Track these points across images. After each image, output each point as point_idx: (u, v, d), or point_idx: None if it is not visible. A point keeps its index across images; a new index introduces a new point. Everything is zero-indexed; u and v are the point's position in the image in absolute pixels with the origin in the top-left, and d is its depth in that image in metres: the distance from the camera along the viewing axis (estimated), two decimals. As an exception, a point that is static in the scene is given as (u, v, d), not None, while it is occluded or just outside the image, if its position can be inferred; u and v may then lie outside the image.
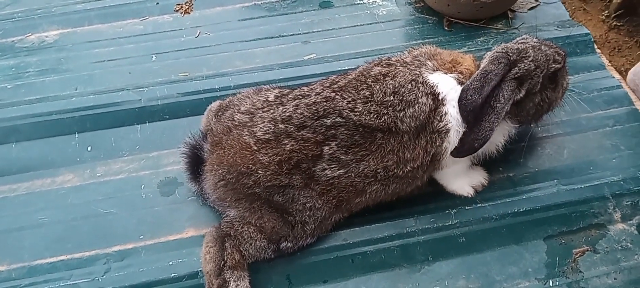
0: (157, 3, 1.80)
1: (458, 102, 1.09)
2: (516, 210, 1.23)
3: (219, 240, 1.09)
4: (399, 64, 1.16)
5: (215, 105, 1.31)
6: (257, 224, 1.12)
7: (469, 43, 1.59)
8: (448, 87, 1.11)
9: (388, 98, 1.11)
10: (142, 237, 1.24)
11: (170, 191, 1.32)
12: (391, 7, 1.75)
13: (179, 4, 1.79)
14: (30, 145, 1.42)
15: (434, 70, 1.14)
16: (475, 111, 1.07)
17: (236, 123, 1.17)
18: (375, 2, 1.77)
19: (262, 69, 1.57)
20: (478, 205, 1.24)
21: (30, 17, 1.78)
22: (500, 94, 1.08)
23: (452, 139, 1.12)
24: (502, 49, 1.14)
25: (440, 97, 1.11)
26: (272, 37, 1.68)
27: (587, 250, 1.17)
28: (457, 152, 1.11)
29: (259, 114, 1.15)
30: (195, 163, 1.22)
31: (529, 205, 1.24)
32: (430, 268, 1.17)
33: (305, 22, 1.72)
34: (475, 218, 1.22)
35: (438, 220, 1.22)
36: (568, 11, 1.71)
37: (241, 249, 1.10)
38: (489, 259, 1.18)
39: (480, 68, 1.11)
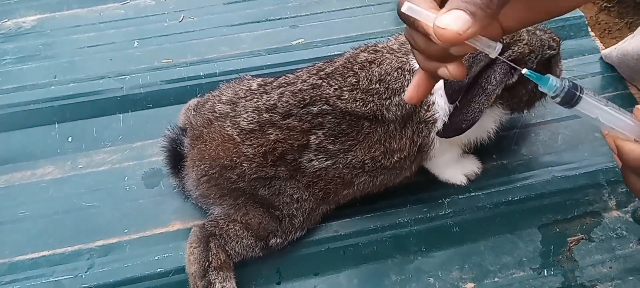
0: (139, -14, 1.74)
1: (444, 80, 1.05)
2: (510, 199, 1.21)
3: (203, 240, 1.05)
4: (385, 51, 1.12)
5: (193, 102, 1.26)
6: (243, 221, 1.08)
7: (461, 26, 1.55)
8: None
9: (374, 86, 1.07)
10: (126, 230, 1.20)
11: (155, 183, 1.28)
12: (381, -11, 1.70)
13: (161, -13, 1.73)
14: (8, 137, 1.37)
15: None
16: (461, 91, 1.03)
17: (217, 114, 1.12)
18: (365, -16, 1.72)
19: (249, 54, 1.52)
20: (471, 194, 1.22)
21: (7, 2, 1.71)
22: (492, 76, 1.04)
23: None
24: (496, 32, 1.10)
25: None
26: (259, 21, 1.62)
27: (582, 239, 1.15)
28: (444, 132, 1.08)
29: (242, 104, 1.11)
30: (176, 158, 1.17)
31: (523, 193, 1.21)
32: (423, 259, 1.14)
33: (293, 5, 1.66)
34: (468, 208, 1.20)
35: (431, 210, 1.19)
36: (560, -7, 1.67)
37: (227, 248, 1.06)
38: (483, 249, 1.15)
39: None
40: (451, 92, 1.05)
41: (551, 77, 0.71)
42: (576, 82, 0.72)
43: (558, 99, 0.72)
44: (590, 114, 0.72)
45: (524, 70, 0.70)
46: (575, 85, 0.72)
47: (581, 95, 0.71)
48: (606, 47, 1.54)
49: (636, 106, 0.74)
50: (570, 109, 0.72)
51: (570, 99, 0.71)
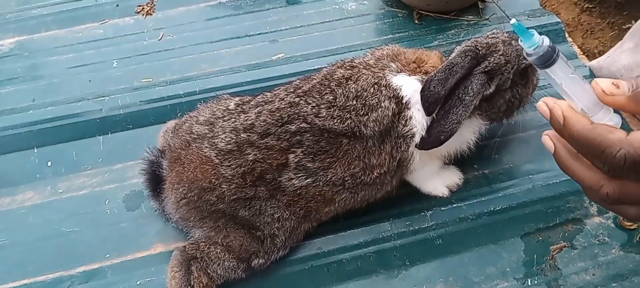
0: (117, 5, 1.73)
1: (420, 92, 1.05)
2: (492, 209, 1.20)
3: (184, 264, 1.04)
4: (362, 67, 1.12)
5: (171, 124, 1.25)
6: (224, 243, 1.07)
7: (440, 36, 1.56)
8: (412, 90, 1.08)
9: (350, 102, 1.07)
10: (108, 255, 1.19)
11: (136, 205, 1.27)
12: (361, 0, 1.70)
13: (140, 5, 1.72)
14: (-14, 163, 1.36)
15: (397, 72, 1.10)
16: (438, 103, 1.04)
17: (195, 136, 1.11)
18: (344, -4, 1.72)
19: (229, 71, 1.52)
20: (454, 205, 1.21)
21: (-16, 25, 1.70)
22: (470, 87, 1.05)
23: None
24: (472, 42, 1.11)
25: (404, 101, 1.07)
26: (239, 37, 1.62)
27: (565, 246, 1.15)
28: (423, 144, 1.08)
29: (219, 124, 1.10)
30: (156, 180, 1.16)
31: (505, 202, 1.21)
32: (407, 273, 1.14)
33: (273, 20, 1.66)
34: (451, 219, 1.19)
35: (414, 223, 1.19)
36: (540, -5, 1.68)
37: (209, 271, 1.05)
38: (467, 260, 1.15)
39: (447, 60, 1.08)
40: (428, 104, 1.05)
41: (536, 33, 0.71)
42: (554, 44, 0.71)
43: (535, 57, 0.71)
44: (557, 78, 0.72)
45: (513, 21, 0.70)
46: (554, 47, 0.72)
47: (557, 57, 0.70)
48: (588, 47, 1.54)
49: (594, 79, 0.74)
50: (540, 70, 0.72)
51: (547, 59, 0.71)
